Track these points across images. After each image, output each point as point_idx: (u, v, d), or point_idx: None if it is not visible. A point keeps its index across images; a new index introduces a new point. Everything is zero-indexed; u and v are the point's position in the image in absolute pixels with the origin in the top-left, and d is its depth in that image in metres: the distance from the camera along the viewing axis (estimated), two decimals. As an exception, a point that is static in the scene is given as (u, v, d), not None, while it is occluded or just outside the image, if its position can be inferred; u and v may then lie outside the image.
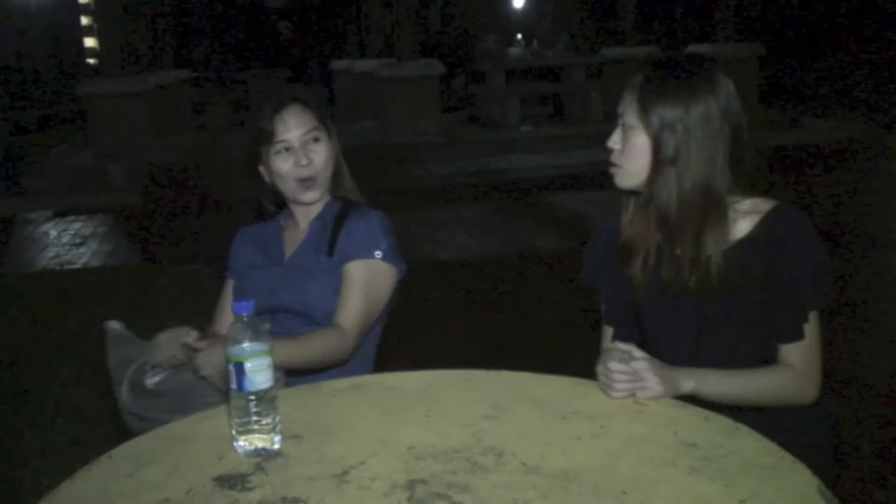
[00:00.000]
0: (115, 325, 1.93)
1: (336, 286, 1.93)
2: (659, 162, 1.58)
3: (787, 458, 1.28)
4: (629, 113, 1.61)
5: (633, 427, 1.41)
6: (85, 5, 23.74)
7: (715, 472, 1.25)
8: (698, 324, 1.64)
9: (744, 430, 1.38)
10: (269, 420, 1.35)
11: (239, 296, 2.00)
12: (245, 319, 1.33)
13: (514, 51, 12.39)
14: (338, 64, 14.35)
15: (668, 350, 1.64)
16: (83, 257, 6.28)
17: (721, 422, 1.41)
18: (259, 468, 1.32)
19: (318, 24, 19.96)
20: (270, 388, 1.35)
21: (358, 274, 1.92)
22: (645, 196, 1.62)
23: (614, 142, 1.64)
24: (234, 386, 1.33)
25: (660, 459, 1.30)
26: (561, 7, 20.80)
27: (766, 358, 1.61)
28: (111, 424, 3.28)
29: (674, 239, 1.60)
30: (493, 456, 1.33)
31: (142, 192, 8.19)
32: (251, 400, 1.33)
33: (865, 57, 18.88)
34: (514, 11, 23.60)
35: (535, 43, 12.61)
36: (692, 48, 11.52)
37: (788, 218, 1.59)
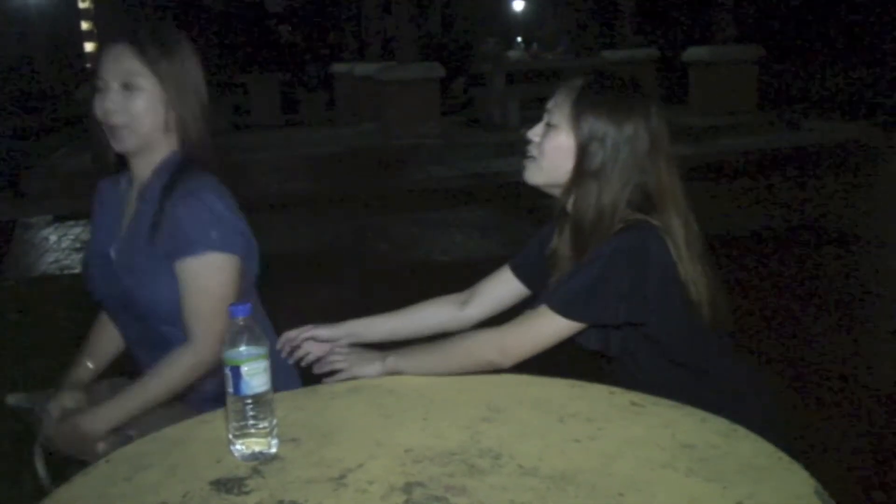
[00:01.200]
0: (11, 400, 1.91)
1: (168, 281, 1.74)
2: (581, 172, 1.59)
3: (783, 459, 1.28)
4: (559, 112, 1.62)
5: (630, 429, 1.41)
6: (85, 10, 23.78)
7: (712, 473, 1.25)
8: None
9: (741, 431, 1.38)
10: (265, 423, 1.34)
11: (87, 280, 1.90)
12: (241, 322, 1.33)
13: (513, 54, 12.42)
14: (338, 67, 14.38)
15: None
16: (83, 261, 6.27)
17: (718, 423, 1.41)
18: (256, 472, 1.32)
19: (318, 27, 19.99)
20: (267, 392, 1.35)
21: (190, 275, 1.72)
22: (561, 204, 1.65)
23: (535, 133, 1.66)
24: (230, 389, 1.32)
25: (657, 461, 1.30)
26: (561, 10, 20.85)
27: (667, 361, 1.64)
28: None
29: (578, 251, 1.62)
30: (491, 458, 1.33)
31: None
32: (248, 403, 1.33)
33: (863, 59, 18.88)
34: (515, 14, 23.66)
35: (534, 46, 12.64)
36: (691, 50, 11.55)
37: (628, 232, 1.56)
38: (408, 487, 1.25)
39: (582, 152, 1.58)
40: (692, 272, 1.56)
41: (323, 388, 1.64)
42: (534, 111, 10.17)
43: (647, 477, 1.25)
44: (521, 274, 1.85)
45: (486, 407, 1.51)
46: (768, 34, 17.69)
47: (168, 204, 1.72)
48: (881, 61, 18.09)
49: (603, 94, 1.60)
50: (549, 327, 1.57)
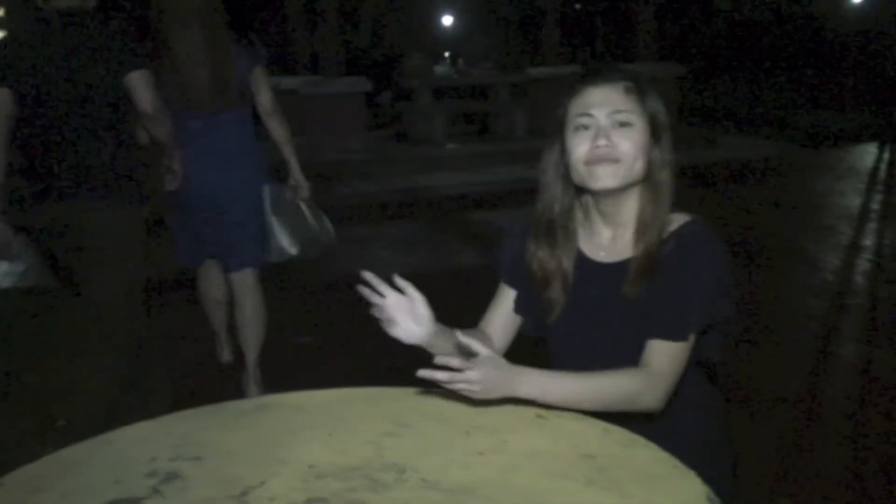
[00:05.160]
0: None
1: None
2: (652, 153, 1.60)
3: (678, 468, 1.32)
4: (627, 112, 1.58)
5: (535, 441, 1.43)
6: None
7: (610, 482, 1.28)
8: (604, 324, 1.64)
9: (640, 441, 1.42)
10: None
11: None
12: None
13: (440, 69, 12.50)
14: (263, 81, 14.23)
15: (569, 345, 1.69)
16: (-4, 278, 6.09)
17: (620, 434, 1.44)
18: (155, 491, 1.30)
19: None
20: None
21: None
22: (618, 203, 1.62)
23: (609, 140, 1.57)
24: None
25: (557, 472, 1.32)
26: (488, 27, 21.05)
27: None
28: (18, 452, 3.20)
29: (647, 245, 1.59)
30: (394, 472, 1.34)
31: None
32: None
33: (780, 79, 19.51)
34: (444, 30, 23.79)
35: (461, 61, 12.73)
36: (614, 68, 11.78)
37: (697, 230, 1.59)
38: (309, 503, 1.25)
39: (654, 136, 1.61)
40: None
41: (230, 406, 1.63)
42: (460, 126, 10.23)
43: (546, 487, 1.27)
44: (515, 283, 1.78)
45: (391, 421, 1.52)
46: (688, 53, 18.16)
47: None
48: (797, 81, 18.72)
49: (649, 83, 1.64)
50: (685, 353, 1.56)
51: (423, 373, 1.40)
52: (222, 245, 3.63)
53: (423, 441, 1.45)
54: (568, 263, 1.67)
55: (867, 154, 10.83)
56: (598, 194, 1.61)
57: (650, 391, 1.51)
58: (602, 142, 1.56)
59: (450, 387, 1.42)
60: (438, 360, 1.43)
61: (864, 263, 5.76)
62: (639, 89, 1.60)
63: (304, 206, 3.78)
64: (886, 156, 10.63)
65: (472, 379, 1.40)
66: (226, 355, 4.05)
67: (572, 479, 1.30)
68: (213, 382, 3.84)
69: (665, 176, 1.60)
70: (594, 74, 1.62)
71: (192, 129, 3.38)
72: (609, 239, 1.67)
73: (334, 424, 1.52)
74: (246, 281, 3.66)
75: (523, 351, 1.70)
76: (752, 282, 5.31)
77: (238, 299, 3.70)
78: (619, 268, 1.63)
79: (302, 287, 5.60)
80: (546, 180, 1.68)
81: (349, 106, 10.21)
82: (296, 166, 3.76)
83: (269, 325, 3.91)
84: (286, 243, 3.70)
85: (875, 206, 7.68)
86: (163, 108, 3.10)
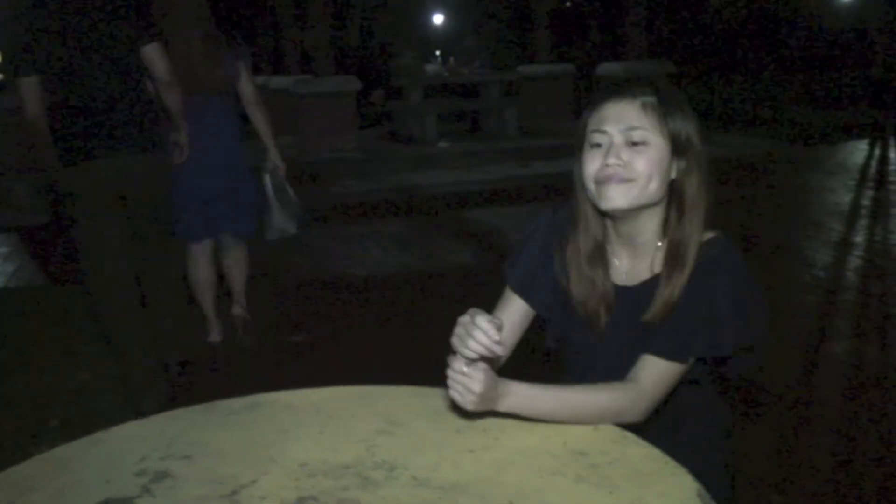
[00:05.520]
0: None
1: None
2: (674, 176, 1.53)
3: (669, 464, 1.32)
4: (643, 129, 1.50)
5: (525, 438, 1.43)
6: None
7: (601, 479, 1.28)
8: (620, 346, 1.58)
9: (631, 437, 1.42)
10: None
11: None
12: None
13: (431, 67, 12.47)
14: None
15: (589, 377, 1.59)
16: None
17: (611, 431, 1.45)
18: (146, 490, 1.30)
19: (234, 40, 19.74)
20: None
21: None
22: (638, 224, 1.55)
23: (621, 159, 1.50)
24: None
25: (548, 469, 1.32)
26: (479, 25, 21.03)
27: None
28: (11, 452, 3.19)
29: (672, 273, 1.51)
30: (385, 470, 1.34)
31: (48, 211, 7.96)
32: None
33: (771, 76, 19.56)
34: (434, 28, 23.78)
35: (451, 60, 12.72)
36: (604, 66, 11.79)
37: (718, 253, 1.52)
38: (300, 501, 1.25)
39: (676, 156, 1.52)
40: None
41: (220, 405, 1.63)
42: (451, 125, 10.26)
43: (536, 484, 1.28)
44: (527, 295, 1.68)
45: (383, 420, 1.52)
46: (679, 50, 18.19)
47: None
48: (789, 78, 18.77)
49: (674, 96, 1.54)
50: (676, 375, 1.51)
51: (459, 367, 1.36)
52: (220, 214, 4.10)
53: (414, 439, 1.45)
54: (608, 284, 1.60)
55: (858, 151, 10.87)
56: (611, 215, 1.56)
57: (634, 409, 1.47)
58: (612, 160, 1.49)
59: (451, 391, 1.38)
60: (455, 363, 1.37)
61: (854, 260, 5.77)
62: (660, 106, 1.51)
63: (287, 186, 4.30)
64: (877, 152, 10.67)
65: (474, 389, 1.36)
66: (215, 335, 4.32)
67: (563, 475, 1.30)
68: (204, 381, 3.84)
69: (692, 196, 1.53)
70: (616, 89, 1.55)
71: (191, 111, 3.79)
72: (628, 261, 1.61)
73: (326, 423, 1.52)
74: (240, 245, 4.31)
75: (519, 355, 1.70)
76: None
77: (226, 252, 4.31)
78: (638, 291, 1.57)
79: (295, 286, 5.60)
80: (577, 199, 1.61)
81: (340, 105, 10.20)
82: (274, 149, 4.25)
83: (262, 325, 4.13)
84: (287, 224, 4.28)
85: (866, 202, 7.71)
86: (175, 77, 3.56)
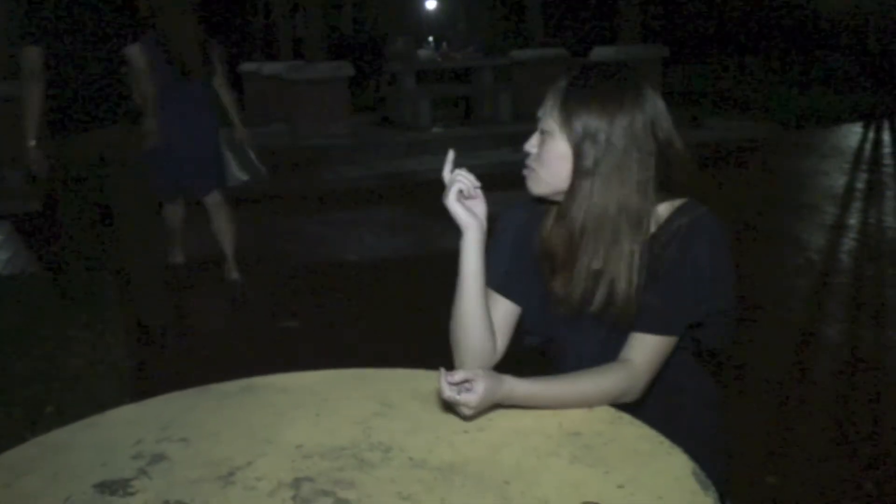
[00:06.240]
0: None
1: None
2: (576, 174, 1.49)
3: (664, 444, 1.32)
4: (549, 118, 1.51)
5: (519, 419, 1.43)
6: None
7: (595, 459, 1.29)
8: (604, 330, 1.57)
9: (626, 418, 1.42)
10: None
11: None
12: None
13: (424, 53, 12.41)
14: (246, 66, 14.17)
15: (572, 350, 1.62)
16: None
17: (605, 411, 1.45)
18: (142, 472, 1.30)
19: (226, 25, 19.65)
20: None
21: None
22: (561, 209, 1.53)
23: (531, 145, 1.55)
24: None
25: (543, 449, 1.32)
26: (472, 10, 20.97)
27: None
28: (7, 439, 3.19)
29: (578, 255, 1.52)
30: (381, 452, 1.34)
31: (43, 198, 7.92)
32: None
33: (763, 59, 19.55)
34: (427, 13, 23.68)
35: (444, 45, 12.67)
36: (597, 50, 11.76)
37: (696, 224, 1.50)
38: (296, 483, 1.25)
39: (577, 153, 1.48)
40: None
41: (215, 388, 1.62)
42: (445, 110, 10.22)
43: (532, 465, 1.28)
44: (507, 291, 1.66)
45: (378, 402, 1.52)
46: (672, 35, 18.16)
47: None
48: (783, 61, 18.77)
49: (590, 89, 1.48)
50: (669, 348, 1.51)
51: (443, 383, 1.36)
52: (194, 175, 4.91)
53: (409, 421, 1.45)
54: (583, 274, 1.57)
55: (852, 134, 10.89)
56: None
57: (631, 389, 1.47)
58: (527, 145, 1.56)
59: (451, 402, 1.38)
60: (445, 378, 1.36)
61: (848, 242, 5.79)
62: (570, 97, 1.49)
63: (247, 147, 5.21)
64: (871, 135, 10.69)
65: (471, 404, 1.36)
66: (179, 258, 5.34)
67: (558, 456, 1.30)
68: (198, 365, 3.84)
69: (598, 191, 1.48)
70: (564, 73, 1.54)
71: (187, 90, 4.76)
72: None
73: (321, 405, 1.52)
74: (216, 200, 4.99)
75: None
76: (738, 262, 5.33)
77: (213, 217, 5.01)
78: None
79: (288, 272, 5.60)
80: None
81: (333, 91, 10.16)
82: (239, 122, 5.13)
83: (255, 311, 4.09)
84: (238, 171, 5.16)
85: (860, 185, 7.73)
86: (152, 70, 4.18)
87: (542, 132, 1.53)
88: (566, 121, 1.48)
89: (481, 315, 1.58)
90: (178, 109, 4.66)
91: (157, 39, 4.64)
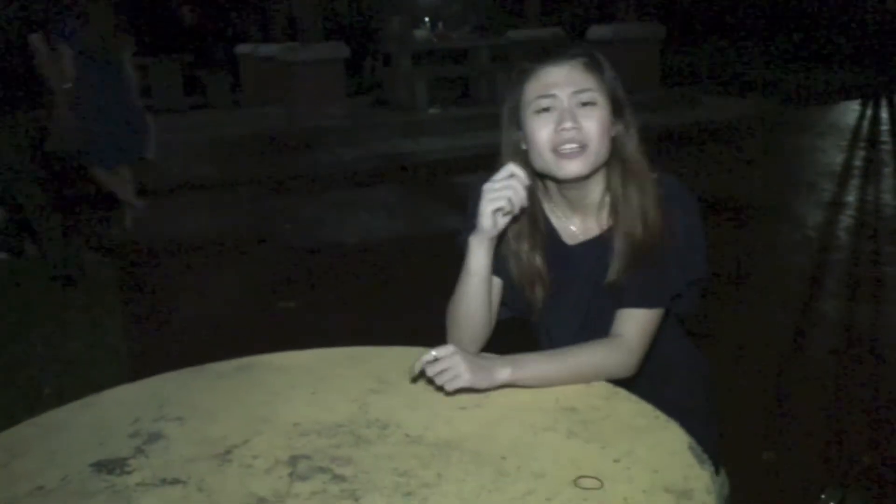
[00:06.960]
0: None
1: None
2: (617, 134, 1.52)
3: (660, 418, 1.33)
4: (591, 91, 1.49)
5: (516, 395, 1.43)
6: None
7: (592, 434, 1.29)
8: (588, 302, 1.60)
9: (622, 393, 1.42)
10: None
11: None
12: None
13: (420, 33, 12.35)
14: (242, 48, 14.12)
15: (555, 328, 1.64)
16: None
17: (601, 387, 1.45)
18: (139, 451, 1.30)
19: (222, 7, 19.55)
20: None
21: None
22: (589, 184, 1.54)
23: (572, 126, 1.47)
24: None
25: (540, 425, 1.32)
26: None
27: None
28: (5, 421, 3.19)
29: (619, 229, 1.52)
30: (378, 428, 1.34)
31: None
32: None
33: (759, 38, 19.47)
34: (423, -6, 23.53)
35: (440, 25, 12.60)
36: (594, 29, 11.71)
37: (667, 193, 1.52)
38: (293, 460, 1.25)
39: (616, 116, 1.52)
40: None
41: (210, 367, 1.62)
42: (441, 91, 10.13)
43: (528, 440, 1.28)
44: (496, 270, 1.62)
45: (375, 379, 1.52)
46: (670, 13, 18.07)
47: None
48: (780, 39, 18.70)
49: (606, 60, 1.54)
50: (658, 320, 1.52)
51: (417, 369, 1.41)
52: (128, 142, 5.88)
53: (406, 398, 1.45)
54: (541, 258, 1.59)
55: (850, 111, 10.86)
56: (563, 182, 1.54)
57: (624, 363, 1.48)
58: (568, 124, 1.46)
59: (438, 381, 1.40)
60: (416, 365, 1.41)
61: (846, 219, 5.79)
62: (597, 64, 1.51)
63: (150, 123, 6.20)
64: (869, 112, 10.66)
65: (454, 364, 1.38)
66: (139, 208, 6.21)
67: (555, 431, 1.30)
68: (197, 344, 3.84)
69: (633, 152, 1.52)
70: (550, 53, 1.52)
71: (108, 69, 5.66)
72: (579, 223, 1.61)
73: (317, 383, 1.52)
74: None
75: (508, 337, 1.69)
76: (736, 239, 5.33)
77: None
78: (590, 246, 1.58)
79: (284, 251, 5.60)
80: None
81: (328, 72, 10.12)
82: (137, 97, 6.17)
83: (252, 291, 4.02)
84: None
85: (857, 162, 7.72)
86: (53, 57, 4.90)
87: (586, 104, 1.48)
88: (608, 88, 1.51)
89: (485, 302, 1.57)
90: (110, 85, 5.66)
91: (76, 26, 5.45)
